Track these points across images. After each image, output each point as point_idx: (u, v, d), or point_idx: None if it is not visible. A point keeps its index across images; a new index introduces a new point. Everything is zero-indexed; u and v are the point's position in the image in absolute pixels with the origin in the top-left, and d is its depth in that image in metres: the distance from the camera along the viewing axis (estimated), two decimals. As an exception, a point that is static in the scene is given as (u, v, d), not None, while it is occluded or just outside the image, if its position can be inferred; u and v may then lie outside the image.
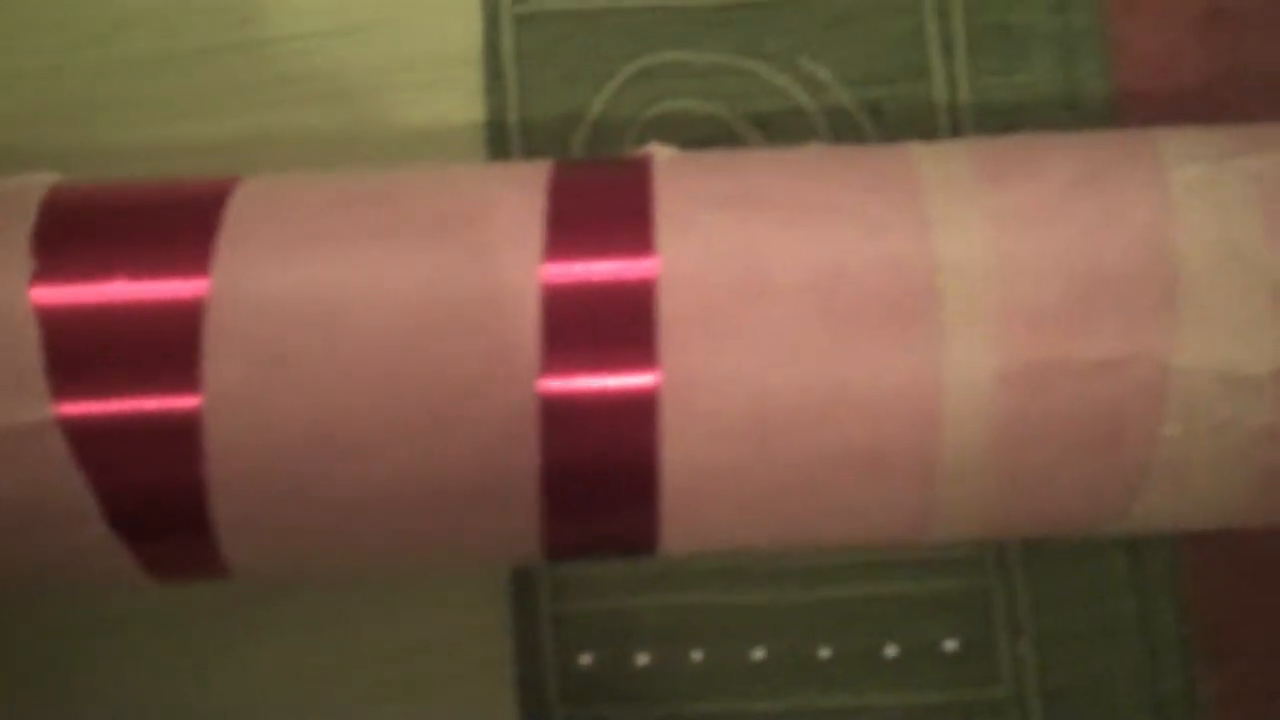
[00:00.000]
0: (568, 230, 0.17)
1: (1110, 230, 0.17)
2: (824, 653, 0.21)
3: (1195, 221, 0.17)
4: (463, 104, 0.22)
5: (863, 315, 0.17)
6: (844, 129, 0.22)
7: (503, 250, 0.17)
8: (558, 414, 0.17)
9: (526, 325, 0.17)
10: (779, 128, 0.22)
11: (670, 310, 0.17)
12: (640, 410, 0.17)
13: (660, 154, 0.19)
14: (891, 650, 0.21)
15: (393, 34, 0.23)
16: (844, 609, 0.21)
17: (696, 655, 0.21)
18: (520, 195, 0.18)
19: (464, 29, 0.23)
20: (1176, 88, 0.23)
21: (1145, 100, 0.23)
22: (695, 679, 0.21)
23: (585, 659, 0.21)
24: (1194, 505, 0.18)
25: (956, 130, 0.22)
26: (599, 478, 0.17)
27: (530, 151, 0.22)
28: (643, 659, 0.21)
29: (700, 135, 0.22)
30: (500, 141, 0.22)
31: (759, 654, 0.21)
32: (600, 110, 0.22)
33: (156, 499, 0.17)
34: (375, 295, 0.17)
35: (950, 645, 0.21)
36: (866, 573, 0.21)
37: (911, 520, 0.18)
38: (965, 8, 0.22)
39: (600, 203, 0.18)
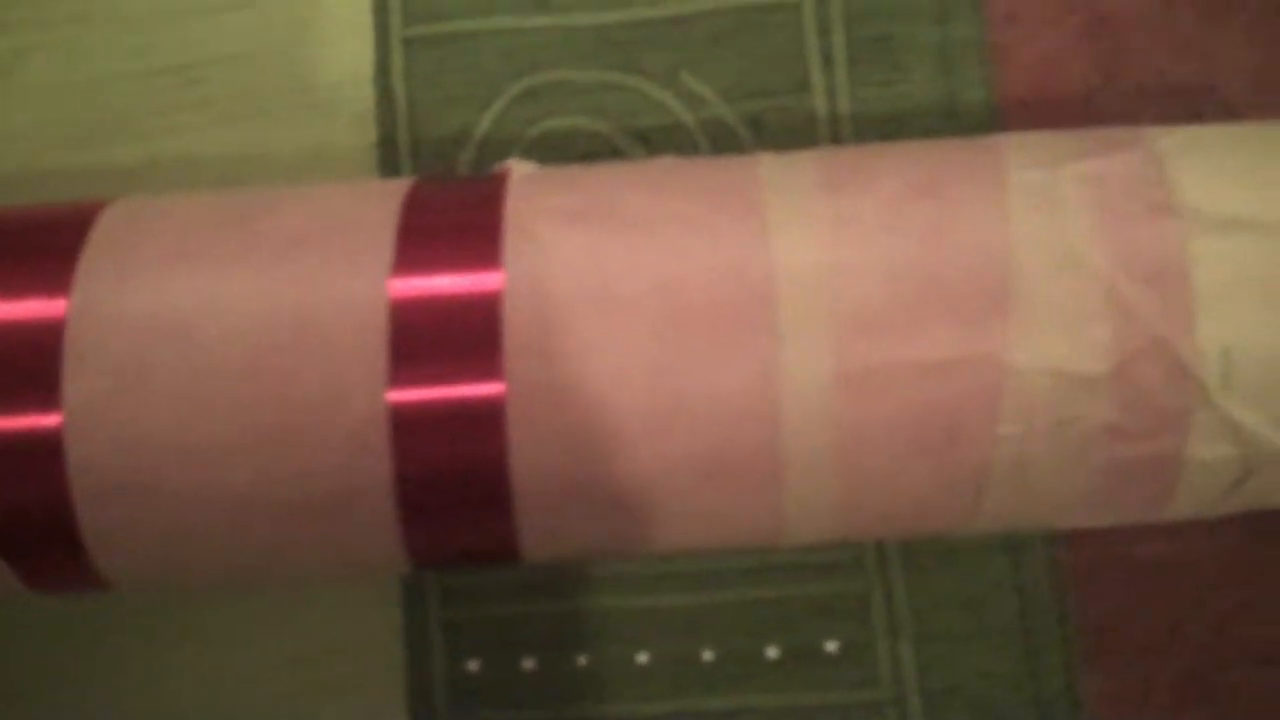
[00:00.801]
0: (417, 245, 0.18)
1: (945, 236, 0.18)
2: (708, 655, 0.21)
3: (1030, 225, 0.18)
4: (355, 125, 0.23)
5: (701, 323, 0.17)
6: (725, 142, 0.23)
7: (352, 266, 0.18)
8: (407, 425, 0.17)
9: (374, 338, 0.17)
10: (661, 142, 0.23)
11: (514, 322, 0.17)
12: (487, 421, 0.17)
13: (518, 170, 0.19)
14: (773, 652, 0.21)
15: (285, 59, 0.23)
16: (727, 612, 0.21)
17: (582, 660, 0.21)
18: (373, 213, 0.18)
19: (355, 53, 0.23)
20: (1058, 95, 0.23)
21: (1027, 108, 0.23)
22: (580, 683, 0.21)
23: (473, 665, 0.21)
24: (1041, 503, 0.18)
25: (837, 140, 0.23)
26: (451, 487, 0.18)
27: (419, 170, 0.23)
28: (529, 664, 0.21)
29: (584, 151, 0.23)
30: (391, 161, 0.23)
31: (643, 657, 0.21)
32: (487, 129, 0.23)
33: (26, 516, 0.18)
34: (228, 312, 0.17)
35: (831, 647, 0.21)
36: (750, 577, 0.22)
37: (764, 523, 0.18)
38: (845, 21, 0.23)
39: (451, 218, 0.18)
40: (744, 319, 0.17)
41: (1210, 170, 0.18)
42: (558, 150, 0.23)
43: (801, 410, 0.17)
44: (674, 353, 0.17)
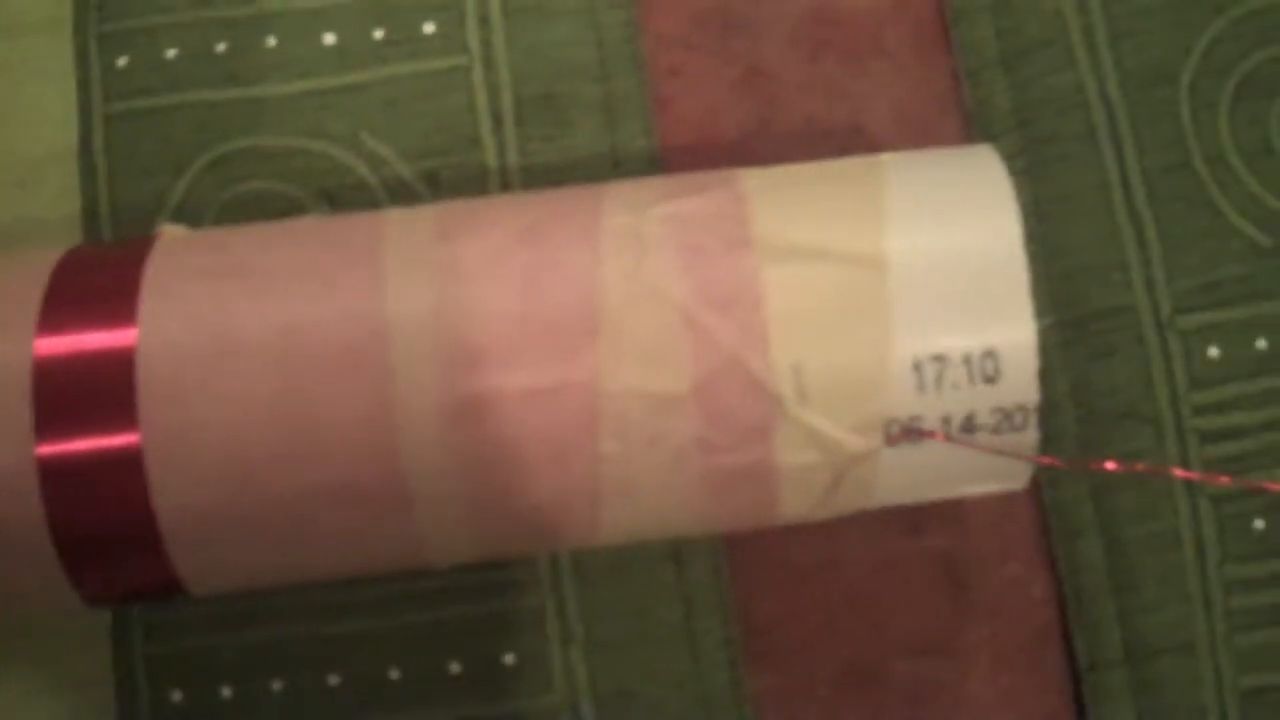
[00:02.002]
0: (62, 307, 0.19)
1: (541, 277, 0.19)
2: (395, 674, 0.23)
3: (618, 263, 0.20)
4: (61, 198, 0.25)
5: (321, 364, 0.19)
6: (405, 199, 0.25)
7: (2, 329, 0.19)
8: (54, 476, 0.19)
9: (20, 396, 0.19)
10: (346, 201, 0.24)
11: (147, 375, 0.19)
12: (128, 466, 0.19)
13: (169, 232, 0.21)
14: (456, 667, 0.23)
15: (-6, 139, 0.25)
16: (412, 633, 0.23)
17: (276, 685, 0.23)
18: (23, 280, 0.20)
19: (60, 130, 0.25)
20: (717, 142, 0.26)
21: (687, 154, 0.25)
22: (276, 708, 0.23)
23: (176, 695, 0.23)
24: (656, 514, 0.20)
25: (509, 191, 0.25)
26: (101, 532, 0.19)
27: (123, 236, 0.24)
28: (226, 692, 0.23)
29: (274, 212, 0.24)
30: (93, 230, 0.24)
31: (334, 680, 0.23)
32: (181, 196, 0.24)
33: None
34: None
35: (509, 659, 0.23)
36: (432, 599, 0.23)
37: (403, 545, 0.20)
38: (512, 82, 0.25)
39: (95, 281, 0.20)
40: (358, 361, 0.19)
41: (784, 205, 0.20)
42: (251, 212, 0.24)
43: (417, 439, 0.19)
44: (298, 391, 0.19)
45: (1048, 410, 0.22)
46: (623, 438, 0.19)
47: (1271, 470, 0.23)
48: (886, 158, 0.21)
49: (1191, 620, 0.23)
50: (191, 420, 0.19)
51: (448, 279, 0.20)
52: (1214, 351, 0.24)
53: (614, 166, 0.25)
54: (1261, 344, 0.24)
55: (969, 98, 0.25)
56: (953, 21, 0.25)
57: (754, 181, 0.20)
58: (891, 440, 0.20)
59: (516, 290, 0.19)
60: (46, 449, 0.19)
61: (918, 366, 0.19)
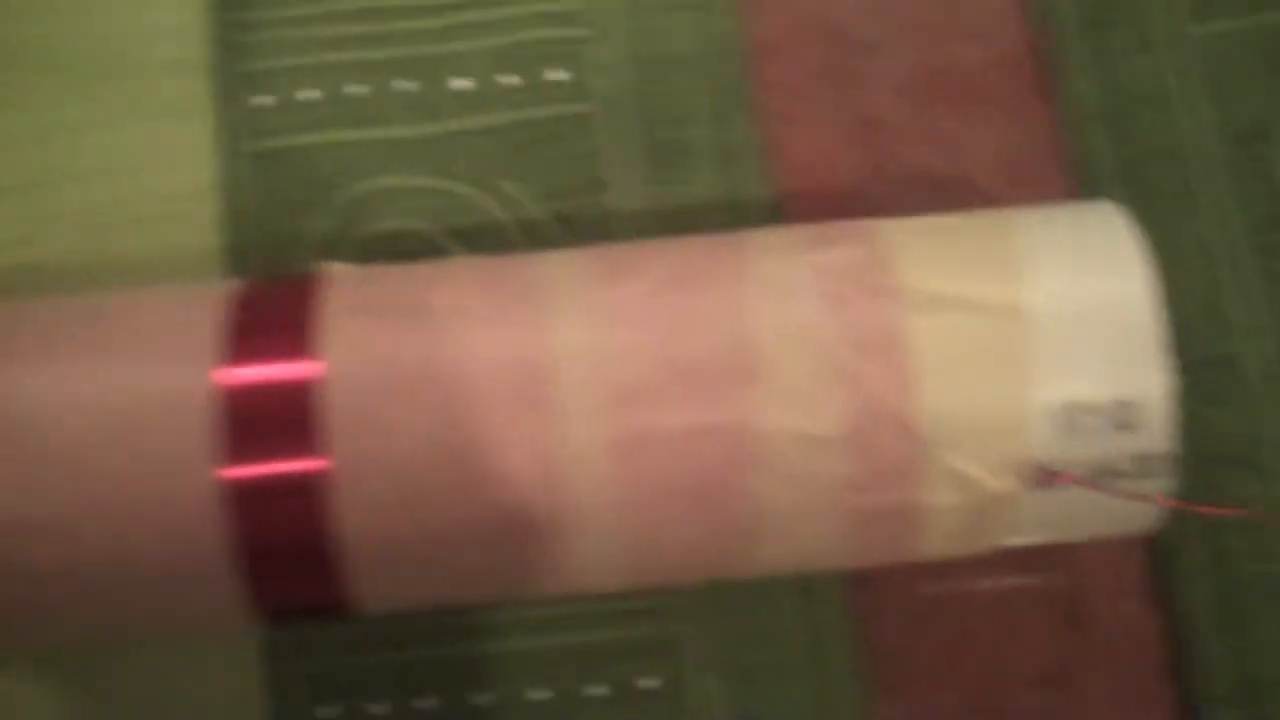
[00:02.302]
0: (245, 339, 0.20)
1: (695, 320, 0.20)
2: (541, 695, 0.24)
3: (768, 310, 0.21)
4: (204, 233, 0.26)
5: (488, 402, 0.20)
6: (538, 239, 0.26)
7: (186, 359, 0.20)
8: (239, 499, 0.20)
9: (205, 423, 0.20)
10: (480, 240, 0.26)
11: (330, 406, 0.20)
12: (312, 493, 0.20)
13: (336, 270, 0.22)
14: (597, 690, 0.24)
15: (139, 175, 0.26)
16: (555, 655, 0.24)
17: (427, 703, 0.24)
18: (204, 311, 0.21)
19: (202, 168, 0.26)
20: (831, 188, 0.27)
21: (802, 201, 0.26)
22: (423, 726, 0.24)
23: (329, 712, 0.24)
24: (803, 549, 0.21)
25: (636, 235, 0.26)
26: (283, 554, 0.20)
27: (264, 272, 0.25)
28: (378, 709, 0.24)
29: (410, 250, 0.25)
30: (238, 265, 0.25)
31: (482, 699, 0.24)
32: (322, 232, 0.25)
33: None
34: (71, 406, 0.20)
35: (648, 683, 0.24)
36: (574, 622, 0.24)
37: (555, 576, 0.21)
38: (637, 128, 0.26)
39: (275, 314, 0.21)
40: (524, 397, 0.20)
41: (924, 255, 0.21)
42: (388, 249, 0.25)
43: (579, 475, 0.20)
44: (463, 428, 0.20)
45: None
46: (775, 476, 0.20)
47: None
48: (1016, 212, 0.22)
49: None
50: (370, 451, 0.20)
51: (609, 321, 0.21)
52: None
53: (732, 212, 0.26)
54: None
55: (1072, 150, 0.26)
56: (1056, 76, 0.27)
57: (892, 233, 0.21)
58: (1030, 483, 0.21)
59: (673, 333, 0.20)
60: (231, 473, 0.20)
61: (1057, 412, 0.20)
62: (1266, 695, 0.24)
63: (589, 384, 0.20)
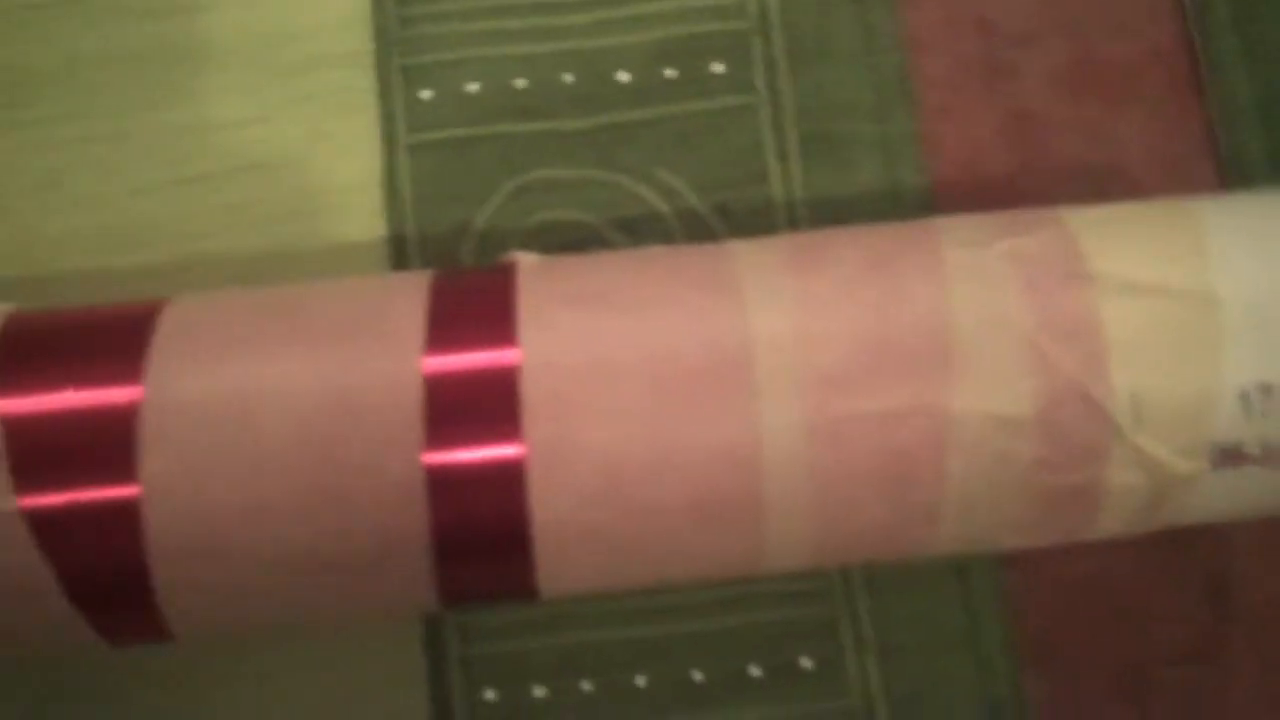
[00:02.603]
0: (445, 327, 0.21)
1: (893, 306, 0.21)
2: (697, 676, 0.24)
3: (965, 295, 0.21)
4: (367, 224, 0.26)
5: (691, 388, 0.20)
6: (697, 229, 0.26)
7: (388, 347, 0.21)
8: (441, 484, 0.20)
9: (410, 409, 0.20)
10: (641, 230, 0.26)
11: (531, 392, 0.20)
12: (511, 478, 0.20)
13: (524, 260, 0.22)
14: (756, 671, 0.24)
15: (303, 167, 0.26)
16: (713, 637, 0.24)
17: (586, 686, 0.24)
18: (405, 300, 0.21)
19: (364, 160, 0.26)
20: (985, 180, 0.27)
21: (958, 191, 0.27)
22: (586, 707, 0.24)
23: (490, 695, 0.24)
24: (987, 528, 0.21)
25: (793, 224, 0.26)
26: (480, 538, 0.21)
27: (426, 262, 0.26)
28: (539, 692, 0.24)
29: (572, 240, 0.26)
30: (400, 255, 0.26)
31: (641, 681, 0.24)
32: (485, 223, 0.26)
33: (106, 576, 0.20)
34: (281, 392, 0.20)
35: (806, 664, 0.24)
36: (731, 605, 0.24)
37: (746, 557, 0.21)
38: (796, 120, 0.26)
39: (473, 303, 0.21)
40: (725, 382, 0.20)
41: (1116, 242, 0.21)
42: (550, 239, 0.26)
43: (779, 458, 0.20)
44: (666, 413, 0.20)
45: None
46: (967, 457, 0.21)
47: None
48: (1201, 200, 0.22)
49: None
50: (570, 436, 0.20)
51: (804, 307, 0.21)
52: None
53: (891, 201, 0.26)
54: None
55: (1223, 144, 0.27)
56: (1207, 70, 0.27)
57: (1082, 220, 0.22)
58: (1216, 464, 0.21)
59: (870, 318, 0.21)
60: (434, 459, 0.20)
61: (1244, 395, 0.21)
62: None
63: (788, 369, 0.20)
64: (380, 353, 0.21)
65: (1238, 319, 0.21)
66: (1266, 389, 0.21)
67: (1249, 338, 0.21)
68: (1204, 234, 0.21)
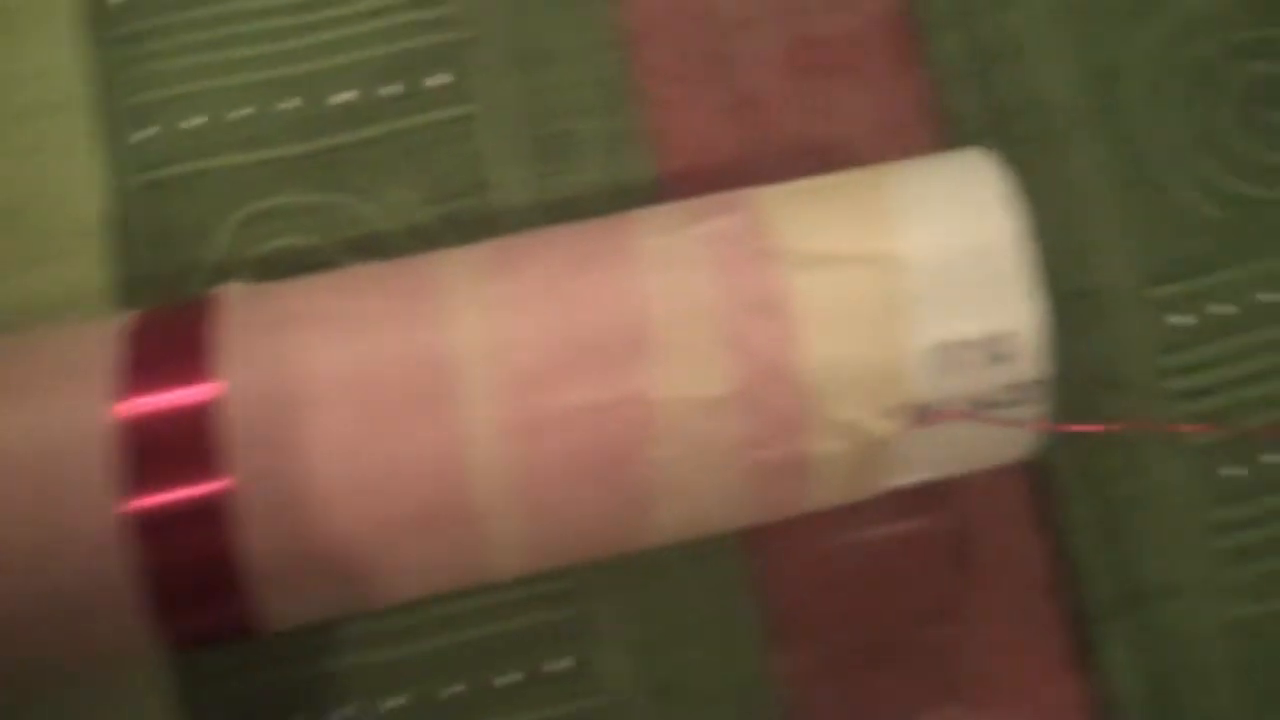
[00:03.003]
0: (140, 369, 0.21)
1: (589, 301, 0.21)
2: (458, 689, 0.24)
3: (660, 282, 0.21)
4: (96, 269, 0.26)
5: (395, 403, 0.21)
6: (428, 243, 0.26)
7: (79, 397, 0.21)
8: (145, 529, 0.20)
9: (104, 457, 0.20)
10: (372, 250, 0.26)
11: (233, 425, 0.20)
12: (216, 515, 0.20)
13: (231, 290, 0.22)
14: (509, 679, 0.24)
15: (27, 216, 0.26)
16: (462, 650, 0.24)
17: (342, 714, 0.24)
18: (96, 347, 0.21)
19: (91, 204, 0.26)
20: (713, 167, 0.27)
21: (687, 180, 0.27)
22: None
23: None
24: (703, 511, 0.22)
25: (525, 229, 0.26)
26: (192, 578, 0.21)
27: (159, 302, 0.26)
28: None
29: (303, 266, 0.26)
30: (132, 297, 0.26)
31: (396, 701, 0.24)
32: (217, 257, 0.26)
33: None
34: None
35: (559, 666, 0.24)
36: (477, 617, 0.25)
37: (473, 564, 0.22)
38: (522, 124, 0.26)
39: (170, 342, 0.21)
40: (427, 393, 0.21)
41: (802, 217, 0.22)
42: (281, 268, 0.26)
43: (485, 463, 0.21)
44: (376, 430, 0.20)
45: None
46: (673, 443, 0.21)
47: (1244, 421, 0.25)
48: (889, 167, 0.23)
49: (1179, 564, 0.25)
50: (276, 465, 0.20)
51: (504, 311, 0.21)
52: (1181, 319, 0.26)
53: (620, 197, 0.27)
54: (1225, 309, 0.26)
55: (943, 106, 0.27)
56: (924, 35, 0.27)
57: (771, 198, 0.22)
58: (913, 423, 0.21)
59: (567, 316, 0.21)
60: (134, 504, 0.20)
61: (934, 353, 0.21)
62: (1149, 602, 0.25)
63: (490, 373, 0.21)
64: (70, 403, 0.20)
65: (923, 280, 0.21)
66: (957, 344, 0.21)
67: (936, 297, 0.21)
68: (888, 201, 0.22)
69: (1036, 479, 0.25)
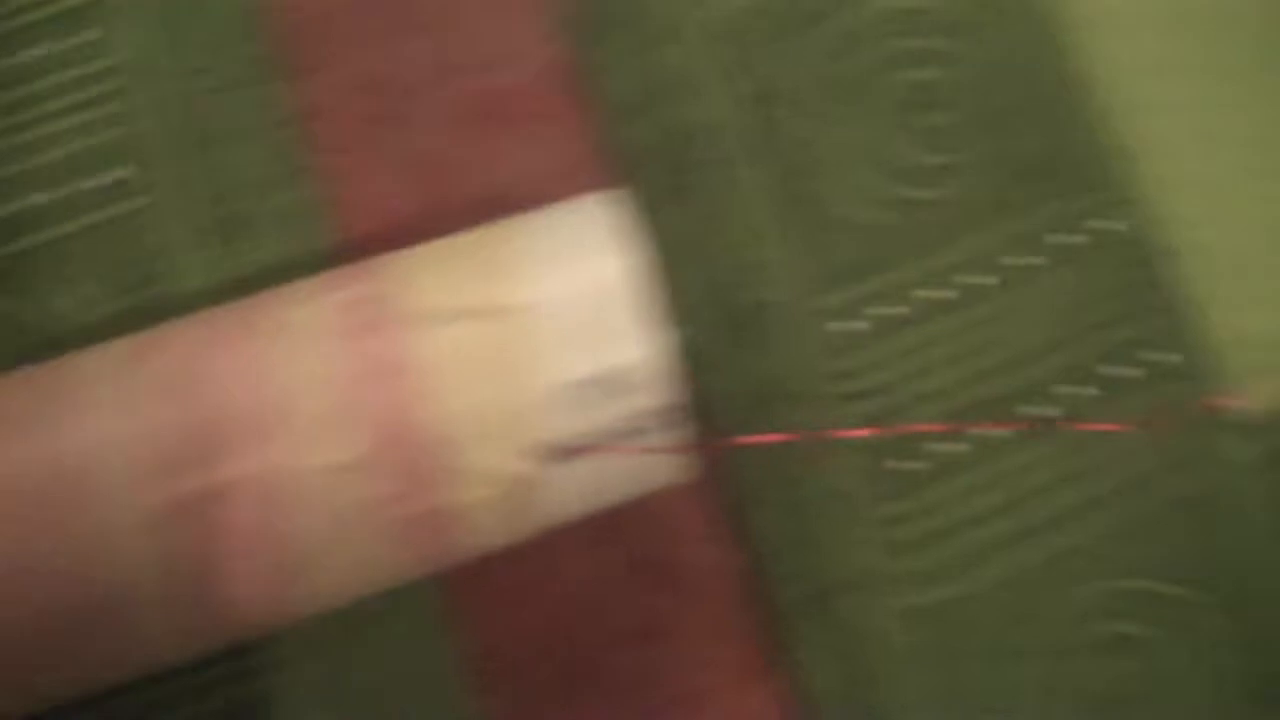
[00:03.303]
0: None
1: (220, 379, 0.22)
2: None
3: (290, 354, 0.22)
4: None
5: (35, 511, 0.21)
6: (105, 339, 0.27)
7: None
8: None
9: None
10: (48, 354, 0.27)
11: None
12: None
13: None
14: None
15: None
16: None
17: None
18: None
19: None
20: (394, 231, 0.28)
21: (371, 247, 0.28)
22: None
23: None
24: (355, 575, 0.23)
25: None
26: None
27: None
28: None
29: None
30: None
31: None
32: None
33: None
34: None
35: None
36: (167, 705, 0.25)
37: (136, 654, 0.22)
38: (203, 207, 0.27)
39: None
40: (59, 501, 0.21)
41: (431, 277, 0.23)
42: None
43: (129, 557, 0.21)
44: (18, 541, 0.21)
45: (705, 404, 0.25)
46: (314, 510, 0.22)
47: (903, 419, 0.27)
48: (521, 218, 0.24)
49: (855, 559, 0.26)
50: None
51: (137, 401, 0.22)
52: (843, 325, 0.27)
53: (300, 270, 0.27)
54: (890, 310, 0.27)
55: (615, 145, 0.28)
56: (590, 82, 0.29)
57: (406, 261, 0.23)
58: (553, 461, 0.22)
59: (198, 398, 0.22)
60: None
61: (560, 392, 0.22)
62: (833, 599, 0.26)
63: (128, 465, 0.21)
64: None
65: (545, 326, 0.22)
66: (582, 383, 0.22)
67: (557, 341, 0.22)
68: (513, 253, 0.23)
69: (729, 493, 0.27)
